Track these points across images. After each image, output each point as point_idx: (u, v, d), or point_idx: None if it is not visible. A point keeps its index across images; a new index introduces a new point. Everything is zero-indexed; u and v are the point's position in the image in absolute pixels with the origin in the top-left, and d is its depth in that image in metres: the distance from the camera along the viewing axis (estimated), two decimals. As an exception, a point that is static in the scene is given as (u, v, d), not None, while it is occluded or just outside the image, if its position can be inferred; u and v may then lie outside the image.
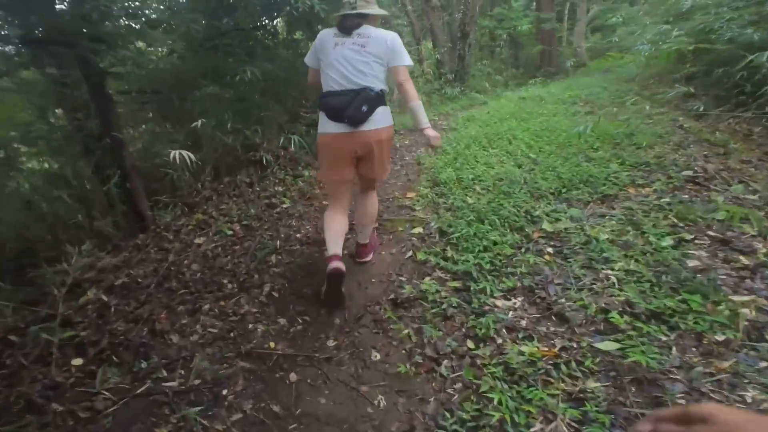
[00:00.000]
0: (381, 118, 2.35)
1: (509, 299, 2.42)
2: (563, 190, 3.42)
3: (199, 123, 3.44)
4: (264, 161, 4.12)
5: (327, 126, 2.35)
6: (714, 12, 5.18)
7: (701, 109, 4.56)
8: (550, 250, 2.78)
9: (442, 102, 8.75)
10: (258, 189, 4.13)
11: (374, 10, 2.37)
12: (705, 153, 3.94)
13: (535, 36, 14.97)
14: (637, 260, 2.50)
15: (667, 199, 3.12)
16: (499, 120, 6.05)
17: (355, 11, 2.31)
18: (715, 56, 5.44)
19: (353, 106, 2.22)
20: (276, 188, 4.18)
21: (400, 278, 2.76)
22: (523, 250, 2.81)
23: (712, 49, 5.28)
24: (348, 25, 2.32)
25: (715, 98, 5.23)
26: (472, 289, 2.49)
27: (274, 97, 4.79)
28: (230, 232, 3.49)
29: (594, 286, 2.37)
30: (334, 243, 2.43)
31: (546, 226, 2.98)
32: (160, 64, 3.93)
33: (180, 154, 3.13)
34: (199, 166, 3.93)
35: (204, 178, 3.94)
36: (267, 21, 5.07)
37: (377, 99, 2.30)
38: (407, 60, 2.37)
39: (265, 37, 5.24)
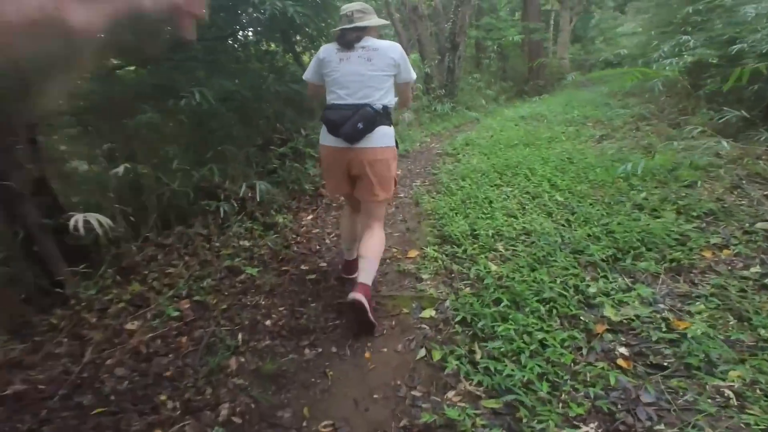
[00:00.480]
0: (379, 138, 2.26)
1: (578, 427, 1.62)
2: (620, 256, 2.62)
3: (121, 169, 2.52)
4: (222, 212, 3.21)
5: (326, 138, 2.33)
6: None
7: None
8: (623, 351, 1.98)
9: (432, 120, 7.98)
10: (217, 244, 3.21)
11: (373, 21, 2.30)
12: (766, 193, 3.23)
13: (521, 47, 14.45)
14: (757, 367, 1.74)
15: (758, 269, 2.36)
16: (506, 146, 5.29)
17: (353, 25, 2.24)
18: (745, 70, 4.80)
19: (350, 122, 2.17)
20: (241, 243, 3.26)
21: (413, 393, 1.95)
22: (584, 351, 1.99)
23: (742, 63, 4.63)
24: (348, 40, 2.25)
25: (743, 119, 4.60)
26: (521, 414, 1.68)
27: (241, 119, 3.92)
28: (176, 313, 2.58)
29: (704, 405, 1.61)
30: (347, 250, 2.77)
31: (609, 313, 2.18)
32: (88, 84, 2.98)
33: (85, 220, 2.22)
34: (139, 217, 3.02)
35: (145, 232, 3.02)
36: (238, 28, 4.23)
37: (377, 117, 2.22)
38: (412, 74, 2.41)
39: (235, 49, 4.39)
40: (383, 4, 8.87)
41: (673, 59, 4.68)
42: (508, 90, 12.06)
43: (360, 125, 2.16)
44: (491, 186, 4.01)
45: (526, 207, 3.48)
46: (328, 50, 2.31)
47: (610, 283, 2.40)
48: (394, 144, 2.35)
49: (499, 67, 12.59)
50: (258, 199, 3.21)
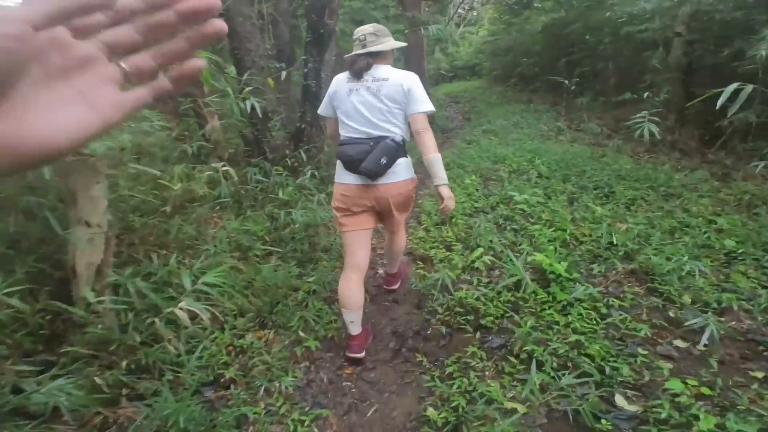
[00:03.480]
0: (401, 171, 2.16)
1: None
2: None
3: None
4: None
5: (343, 176, 2.20)
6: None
7: None
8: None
9: (257, 226, 2.93)
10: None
11: (387, 45, 2.14)
12: None
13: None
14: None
15: None
16: None
17: (365, 50, 2.10)
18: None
19: (371, 157, 2.04)
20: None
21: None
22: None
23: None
24: (359, 68, 2.10)
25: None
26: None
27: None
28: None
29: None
30: (351, 322, 2.29)
31: None
32: None
33: None
34: None
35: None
36: None
37: (398, 150, 2.11)
38: (426, 106, 2.12)
39: None
40: None
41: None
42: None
43: (383, 160, 2.04)
44: None
45: None
46: (339, 81, 2.20)
47: None
48: (413, 174, 2.25)
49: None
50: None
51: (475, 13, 27.71)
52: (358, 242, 2.26)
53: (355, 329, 2.27)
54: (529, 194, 3.86)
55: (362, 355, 2.27)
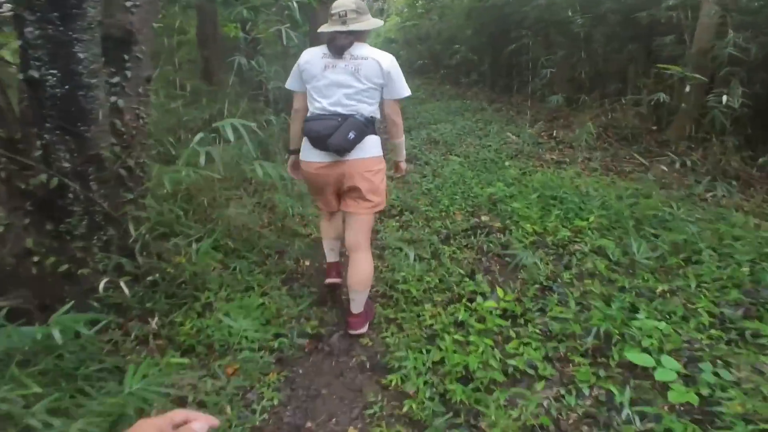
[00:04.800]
0: (370, 148, 2.05)
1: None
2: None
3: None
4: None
5: (309, 154, 2.08)
6: None
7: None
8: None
9: None
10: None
11: (367, 24, 2.01)
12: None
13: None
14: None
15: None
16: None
17: (347, 28, 1.95)
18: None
19: (339, 132, 1.93)
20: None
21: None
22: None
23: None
24: (340, 45, 1.97)
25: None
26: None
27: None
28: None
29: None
30: (330, 251, 2.44)
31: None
32: None
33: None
34: None
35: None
36: None
37: (366, 125, 2.01)
38: (404, 92, 2.06)
39: None
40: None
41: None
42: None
43: (351, 135, 1.93)
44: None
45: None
46: (311, 56, 2.04)
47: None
48: (382, 153, 2.13)
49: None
50: None
51: (381, 4, 25.77)
52: (334, 213, 2.33)
53: (332, 257, 2.39)
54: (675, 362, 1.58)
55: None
